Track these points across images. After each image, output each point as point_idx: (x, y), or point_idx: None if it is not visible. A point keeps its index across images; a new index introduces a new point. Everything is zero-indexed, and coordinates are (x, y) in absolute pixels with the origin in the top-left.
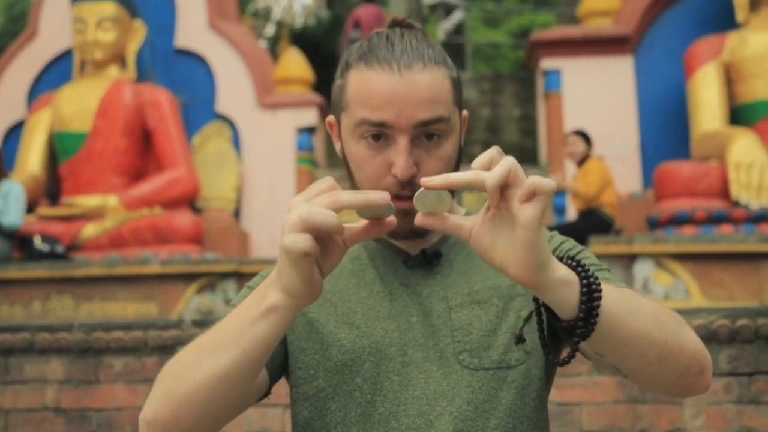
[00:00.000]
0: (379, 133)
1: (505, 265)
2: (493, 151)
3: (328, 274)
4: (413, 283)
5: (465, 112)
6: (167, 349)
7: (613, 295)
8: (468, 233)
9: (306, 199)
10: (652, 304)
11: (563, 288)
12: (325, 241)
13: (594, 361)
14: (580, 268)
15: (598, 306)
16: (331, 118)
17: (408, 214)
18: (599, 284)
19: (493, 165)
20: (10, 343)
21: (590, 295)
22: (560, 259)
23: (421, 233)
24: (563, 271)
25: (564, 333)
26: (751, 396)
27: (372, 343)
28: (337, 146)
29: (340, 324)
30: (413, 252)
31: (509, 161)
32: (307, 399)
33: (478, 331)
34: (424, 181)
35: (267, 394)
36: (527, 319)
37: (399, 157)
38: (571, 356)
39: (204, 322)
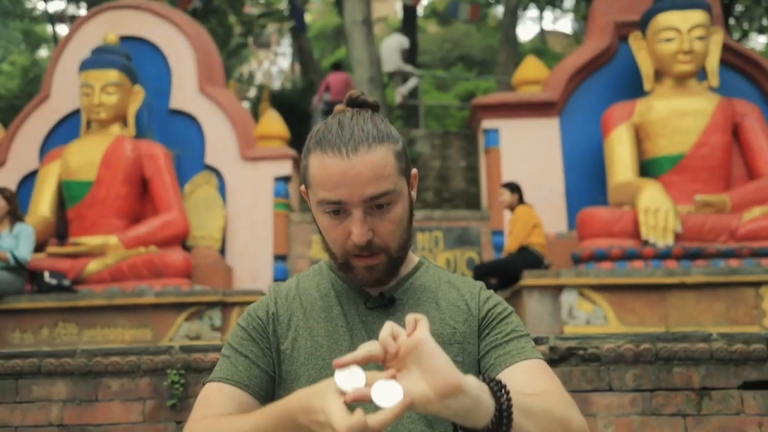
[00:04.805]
0: (338, 209)
1: (429, 388)
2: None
3: None
4: (370, 321)
5: (414, 171)
6: (158, 372)
7: (518, 404)
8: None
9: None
10: (547, 401)
11: (480, 396)
12: None
13: None
14: (493, 383)
15: (511, 421)
16: (302, 187)
17: (371, 268)
18: (511, 400)
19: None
20: (20, 367)
21: (507, 411)
22: (484, 326)
23: (383, 282)
24: (474, 381)
25: None
26: (653, 409)
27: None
28: (311, 207)
29: (309, 357)
30: (374, 293)
31: (388, 325)
32: None
33: None
34: (336, 362)
35: None
36: None
37: (355, 227)
38: None
39: (190, 348)
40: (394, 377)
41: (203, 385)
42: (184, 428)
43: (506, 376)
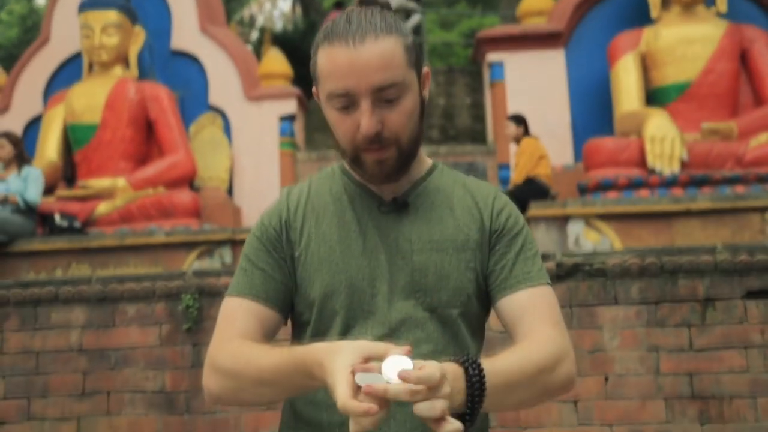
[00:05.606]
0: (347, 104)
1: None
2: (439, 372)
3: None
4: (383, 225)
5: (426, 69)
6: (172, 297)
7: (499, 380)
8: None
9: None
10: (535, 353)
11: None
12: None
13: None
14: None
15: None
16: (314, 88)
17: (381, 162)
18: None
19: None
20: (38, 295)
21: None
22: (495, 240)
23: (394, 178)
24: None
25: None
26: (657, 320)
27: (347, 277)
28: (324, 111)
29: (322, 262)
30: (387, 198)
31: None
32: (303, 325)
33: (432, 275)
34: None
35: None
36: None
37: (363, 118)
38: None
39: (202, 273)
40: (408, 353)
41: (223, 298)
42: (211, 345)
43: (508, 303)
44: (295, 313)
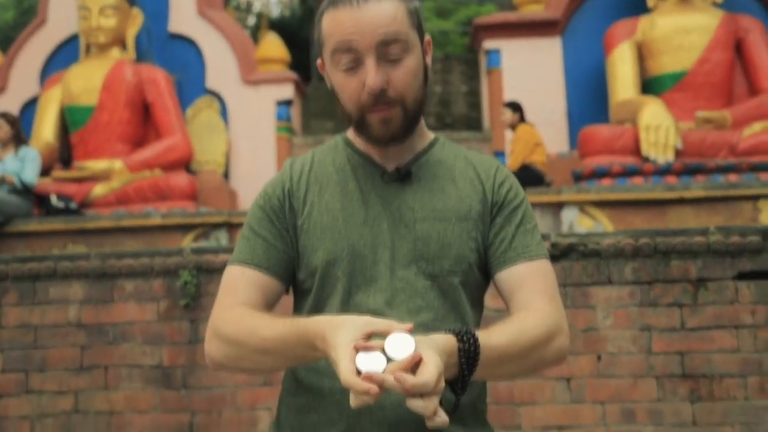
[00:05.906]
0: (352, 65)
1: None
2: (434, 379)
3: None
4: (386, 194)
5: (428, 37)
6: (170, 273)
7: (493, 354)
8: None
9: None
10: (530, 326)
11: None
12: None
13: None
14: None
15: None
16: (319, 60)
17: (387, 122)
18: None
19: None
20: (37, 270)
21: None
22: (495, 212)
23: (399, 140)
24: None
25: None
26: (650, 300)
27: (349, 244)
28: (328, 83)
29: (325, 229)
30: (389, 168)
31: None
32: (305, 293)
33: (435, 243)
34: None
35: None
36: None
37: (368, 73)
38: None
39: (200, 249)
40: (410, 330)
41: (221, 275)
42: (213, 311)
43: (506, 276)
44: (297, 282)
